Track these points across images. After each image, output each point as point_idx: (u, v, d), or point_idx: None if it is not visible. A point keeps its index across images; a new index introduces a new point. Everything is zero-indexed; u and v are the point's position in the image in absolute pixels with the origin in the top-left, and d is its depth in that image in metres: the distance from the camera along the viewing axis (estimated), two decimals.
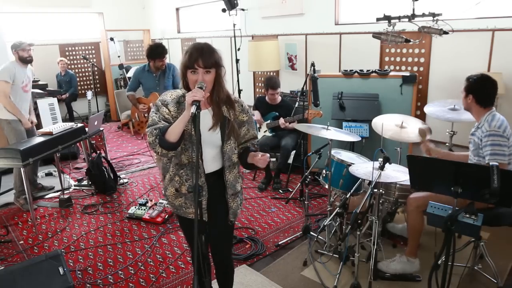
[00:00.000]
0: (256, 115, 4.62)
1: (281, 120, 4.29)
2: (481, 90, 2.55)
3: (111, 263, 3.07)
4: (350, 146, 3.84)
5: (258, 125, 4.61)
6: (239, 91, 5.32)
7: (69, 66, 8.08)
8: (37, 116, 5.66)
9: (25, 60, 3.98)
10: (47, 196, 4.38)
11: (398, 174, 2.63)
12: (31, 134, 4.08)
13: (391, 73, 4.05)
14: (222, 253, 2.15)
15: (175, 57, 8.02)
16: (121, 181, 4.71)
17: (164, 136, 1.74)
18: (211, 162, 1.93)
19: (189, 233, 2.09)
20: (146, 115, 4.25)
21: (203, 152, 1.87)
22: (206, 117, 1.87)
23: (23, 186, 3.96)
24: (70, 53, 8.26)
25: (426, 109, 3.50)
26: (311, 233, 3.17)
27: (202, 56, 1.77)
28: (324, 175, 3.15)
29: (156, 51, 3.99)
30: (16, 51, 3.93)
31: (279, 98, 4.49)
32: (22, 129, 4.01)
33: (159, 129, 1.75)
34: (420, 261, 2.73)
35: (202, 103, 1.85)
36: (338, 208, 2.82)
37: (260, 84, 6.20)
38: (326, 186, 3.12)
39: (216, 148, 1.92)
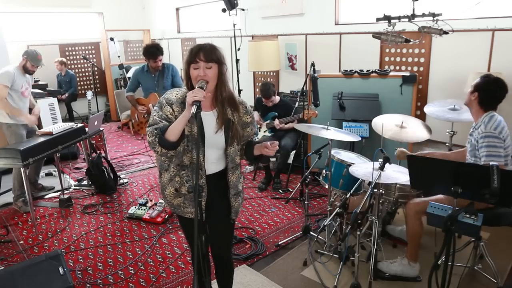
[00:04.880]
0: (256, 116, 4.62)
1: (276, 121, 4.30)
2: (488, 92, 2.51)
3: (111, 263, 3.07)
4: (350, 146, 3.84)
5: (258, 126, 4.61)
6: (239, 91, 5.32)
7: (69, 66, 8.07)
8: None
9: (28, 71, 3.99)
10: (47, 196, 4.38)
11: (398, 174, 2.63)
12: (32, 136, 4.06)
13: (391, 73, 4.05)
14: (222, 252, 2.16)
15: (175, 57, 8.02)
16: (121, 181, 4.71)
17: (164, 135, 1.74)
18: (213, 163, 1.93)
19: (188, 232, 2.10)
20: (145, 116, 4.24)
21: (205, 153, 1.87)
22: (210, 119, 1.87)
23: (22, 188, 3.96)
24: (70, 53, 8.26)
25: (426, 109, 3.50)
26: (311, 233, 3.17)
27: (203, 49, 1.77)
28: (324, 175, 3.15)
29: (149, 51, 3.99)
30: (26, 59, 3.92)
31: (275, 101, 4.49)
32: (22, 133, 3.99)
33: (159, 129, 1.76)
34: (420, 261, 2.73)
35: (207, 105, 1.86)
36: (338, 208, 2.82)
37: (260, 84, 6.20)
38: (326, 186, 3.12)
39: (219, 150, 1.92)
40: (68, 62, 8.15)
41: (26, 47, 7.58)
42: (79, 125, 4.26)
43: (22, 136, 3.97)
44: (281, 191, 4.30)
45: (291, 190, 4.27)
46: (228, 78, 1.88)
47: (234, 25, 5.49)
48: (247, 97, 6.19)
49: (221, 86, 1.84)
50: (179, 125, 1.73)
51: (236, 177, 1.99)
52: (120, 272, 2.94)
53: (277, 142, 1.87)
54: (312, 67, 3.81)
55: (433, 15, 3.16)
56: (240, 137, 1.94)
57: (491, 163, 1.84)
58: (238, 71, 5.45)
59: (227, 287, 2.27)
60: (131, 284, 2.80)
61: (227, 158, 1.92)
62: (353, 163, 2.92)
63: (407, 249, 2.76)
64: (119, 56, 7.90)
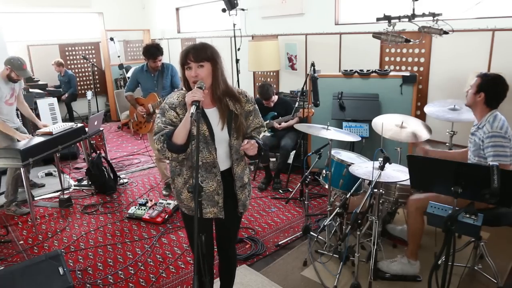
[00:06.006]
0: None
1: (275, 124, 4.31)
2: (493, 91, 2.50)
3: (111, 263, 3.06)
4: (350, 146, 3.83)
5: None
6: None
7: (69, 66, 8.07)
8: (37, 116, 5.66)
9: (12, 80, 3.79)
10: (47, 196, 4.38)
11: (398, 174, 2.62)
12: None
13: (391, 73, 4.05)
14: (226, 245, 2.18)
15: (175, 57, 8.00)
16: (121, 181, 4.71)
17: (171, 140, 1.76)
18: (225, 159, 1.94)
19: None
20: (144, 116, 4.24)
21: (217, 150, 1.89)
22: (215, 115, 1.88)
23: (15, 194, 3.93)
24: (70, 53, 8.25)
25: (426, 109, 3.50)
26: (311, 233, 3.17)
27: (193, 50, 1.79)
28: (324, 175, 3.15)
29: (150, 51, 3.98)
30: (10, 69, 3.69)
31: (275, 100, 4.50)
32: (12, 140, 3.85)
33: (165, 135, 1.78)
34: (420, 261, 2.73)
35: (208, 102, 1.87)
36: (338, 208, 2.82)
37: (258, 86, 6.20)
38: (326, 186, 3.12)
39: (228, 144, 1.93)
40: (68, 62, 8.15)
41: (26, 47, 7.61)
42: (79, 125, 4.26)
43: (13, 140, 3.84)
44: (281, 191, 4.30)
45: (291, 190, 4.27)
46: (224, 73, 1.88)
47: (234, 25, 5.49)
48: None
49: (215, 83, 1.84)
50: (184, 127, 1.75)
51: (241, 168, 1.99)
52: (120, 272, 2.94)
53: (253, 140, 1.85)
54: (312, 67, 3.81)
55: (433, 15, 3.16)
56: (245, 127, 1.95)
57: (491, 163, 1.83)
58: (238, 71, 5.45)
59: (229, 283, 2.29)
60: (131, 284, 2.80)
61: (231, 150, 1.92)
62: (353, 163, 2.92)
63: (407, 247, 2.76)
64: (119, 56, 7.90)
